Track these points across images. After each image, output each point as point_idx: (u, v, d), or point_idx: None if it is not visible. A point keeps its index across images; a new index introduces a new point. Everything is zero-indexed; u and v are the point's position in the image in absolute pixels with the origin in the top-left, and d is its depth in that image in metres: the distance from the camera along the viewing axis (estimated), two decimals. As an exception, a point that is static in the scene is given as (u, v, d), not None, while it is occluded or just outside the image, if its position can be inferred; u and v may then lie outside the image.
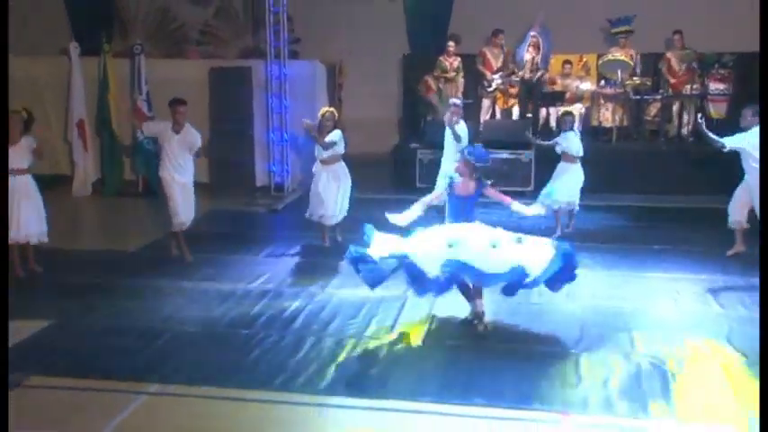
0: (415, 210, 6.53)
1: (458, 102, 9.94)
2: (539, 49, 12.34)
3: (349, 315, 6.72)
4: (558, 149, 9.33)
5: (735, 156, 8.15)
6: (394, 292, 7.17)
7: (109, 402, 5.14)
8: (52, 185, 11.42)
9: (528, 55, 12.42)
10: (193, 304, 7.08)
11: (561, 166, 9.33)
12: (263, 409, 5.09)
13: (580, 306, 7.01)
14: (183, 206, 8.41)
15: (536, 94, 12.55)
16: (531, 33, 12.31)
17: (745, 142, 7.97)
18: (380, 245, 6.28)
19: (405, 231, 6.48)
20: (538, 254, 6.15)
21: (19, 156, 7.71)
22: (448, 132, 9.69)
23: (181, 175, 8.41)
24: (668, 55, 12.60)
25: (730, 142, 8.13)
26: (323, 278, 7.74)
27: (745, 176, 8.13)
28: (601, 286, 7.57)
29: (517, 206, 6.51)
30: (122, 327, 6.47)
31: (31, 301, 7.11)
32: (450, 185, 6.40)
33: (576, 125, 10.31)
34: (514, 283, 6.15)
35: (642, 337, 6.20)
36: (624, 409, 5.01)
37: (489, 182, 6.43)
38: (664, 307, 7.00)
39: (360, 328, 6.43)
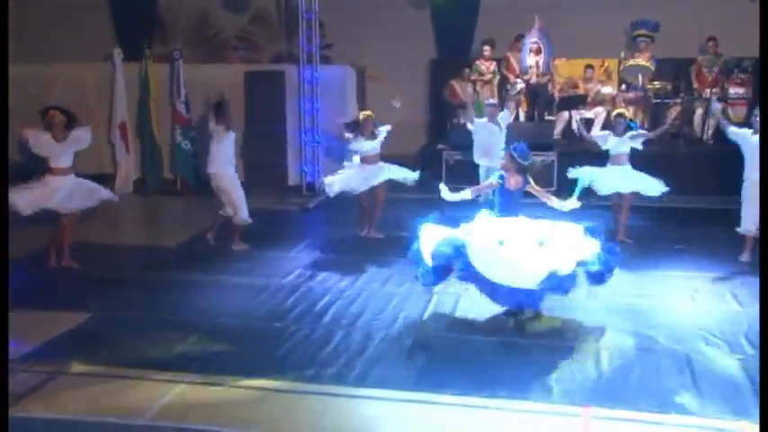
0: (465, 193, 7.00)
1: (494, 101, 10.21)
2: (540, 53, 12.40)
3: (378, 309, 6.87)
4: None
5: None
6: (421, 288, 7.39)
7: (148, 390, 5.31)
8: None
9: (530, 60, 12.47)
10: (229, 298, 7.26)
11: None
12: (293, 399, 5.22)
13: (601, 302, 7.07)
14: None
15: (542, 98, 12.64)
16: (532, 39, 12.34)
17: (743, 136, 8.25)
18: (432, 237, 6.60)
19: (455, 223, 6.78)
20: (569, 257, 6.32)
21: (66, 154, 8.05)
22: (484, 130, 9.74)
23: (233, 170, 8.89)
24: (699, 59, 12.67)
25: (733, 133, 8.46)
26: (352, 274, 7.90)
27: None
28: (621, 284, 7.50)
29: (555, 202, 6.85)
30: (161, 319, 6.67)
31: (75, 293, 7.37)
32: (501, 178, 6.65)
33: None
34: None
35: (661, 334, 6.29)
36: (643, 403, 5.09)
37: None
38: (682, 305, 7.08)
39: (388, 321, 6.57)
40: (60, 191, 7.93)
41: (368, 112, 9.38)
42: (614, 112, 9.41)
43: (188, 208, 11.06)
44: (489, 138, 9.65)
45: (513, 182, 6.64)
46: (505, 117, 9.99)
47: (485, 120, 9.97)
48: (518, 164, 6.62)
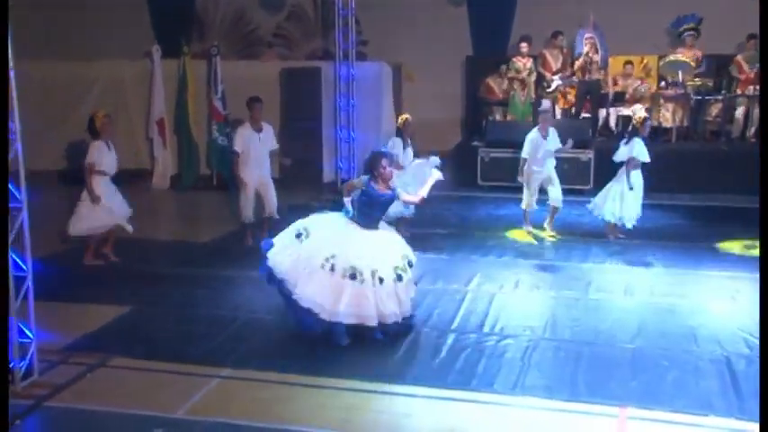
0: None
1: (546, 108, 9.67)
2: (596, 50, 12.18)
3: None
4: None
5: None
6: (454, 286, 7.38)
7: (184, 384, 5.38)
8: (134, 179, 12.00)
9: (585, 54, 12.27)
10: (263, 293, 7.12)
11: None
12: (326, 395, 5.25)
13: (638, 302, 7.05)
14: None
15: (594, 94, 12.49)
16: (587, 35, 12.14)
17: None
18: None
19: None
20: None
21: (114, 159, 8.11)
22: (535, 140, 9.07)
23: (258, 170, 8.76)
24: (738, 58, 12.41)
25: None
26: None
27: None
28: (659, 283, 7.58)
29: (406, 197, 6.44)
30: (196, 314, 6.75)
31: (112, 288, 7.46)
32: (368, 184, 6.19)
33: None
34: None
35: (700, 335, 6.22)
36: (681, 405, 5.03)
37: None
38: (722, 305, 6.98)
39: (421, 319, 6.51)
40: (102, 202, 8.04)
41: (407, 116, 9.20)
42: (641, 115, 9.06)
43: (224, 204, 11.11)
44: (539, 149, 9.03)
45: (383, 188, 6.18)
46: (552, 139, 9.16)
47: (534, 131, 9.12)
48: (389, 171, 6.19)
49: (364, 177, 6.23)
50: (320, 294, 5.92)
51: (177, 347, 6.02)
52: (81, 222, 8.04)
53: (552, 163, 9.23)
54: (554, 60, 12.69)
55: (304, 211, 10.89)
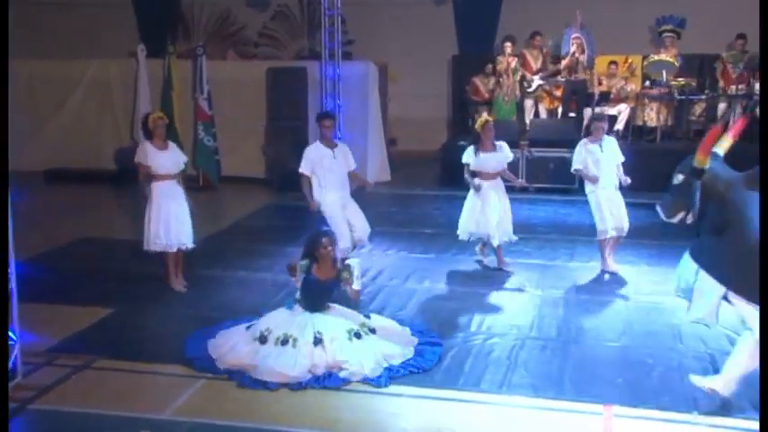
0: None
1: (602, 115, 8.58)
2: (583, 50, 12.20)
3: (397, 306, 6.85)
4: None
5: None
6: (441, 285, 7.42)
7: (169, 385, 5.37)
8: (119, 179, 11.95)
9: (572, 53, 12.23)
10: (250, 293, 7.28)
11: None
12: (313, 394, 5.24)
13: (623, 300, 7.09)
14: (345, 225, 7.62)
15: (581, 94, 12.54)
16: (574, 35, 12.17)
17: None
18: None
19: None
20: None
21: (169, 161, 7.42)
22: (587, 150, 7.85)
23: (338, 191, 7.75)
24: (724, 56, 12.48)
25: None
26: (373, 269, 7.86)
27: None
28: (643, 282, 7.60)
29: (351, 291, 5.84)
30: (182, 314, 6.72)
31: (97, 289, 7.40)
32: (308, 269, 5.69)
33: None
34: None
35: (684, 332, 6.24)
36: (666, 402, 5.06)
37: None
38: (707, 303, 7.02)
39: (409, 317, 6.52)
40: (163, 213, 7.40)
41: (487, 117, 8.11)
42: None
43: (210, 204, 11.08)
44: (593, 160, 7.79)
45: (324, 273, 5.72)
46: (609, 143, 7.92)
47: (585, 141, 7.94)
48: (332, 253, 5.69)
49: (303, 263, 5.70)
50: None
51: (163, 348, 5.98)
52: (146, 235, 7.38)
53: (615, 181, 7.81)
54: (534, 60, 12.74)
55: (292, 211, 11.06)
